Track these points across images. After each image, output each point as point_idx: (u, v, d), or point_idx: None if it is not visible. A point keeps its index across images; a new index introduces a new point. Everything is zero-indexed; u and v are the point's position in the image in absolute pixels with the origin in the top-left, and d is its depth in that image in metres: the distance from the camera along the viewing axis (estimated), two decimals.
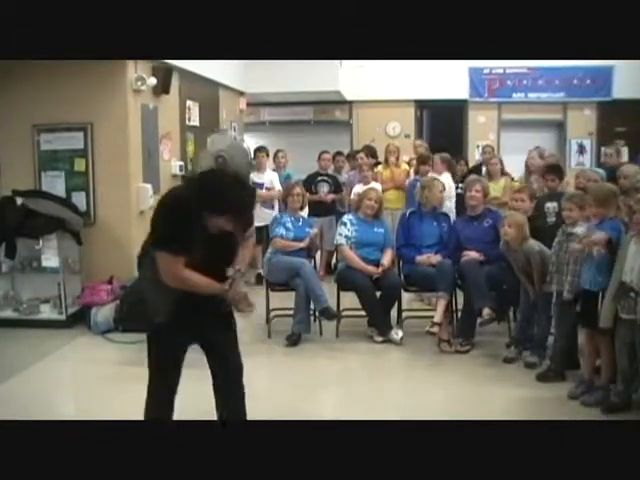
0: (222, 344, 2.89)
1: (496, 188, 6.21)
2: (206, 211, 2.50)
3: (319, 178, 7.52)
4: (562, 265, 4.04)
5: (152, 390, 2.82)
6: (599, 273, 3.74)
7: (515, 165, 7.08)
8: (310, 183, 7.28)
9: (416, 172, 6.66)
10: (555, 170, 5.39)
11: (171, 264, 2.48)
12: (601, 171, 5.94)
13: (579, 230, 4.03)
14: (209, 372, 2.94)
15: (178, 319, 2.62)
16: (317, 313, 5.26)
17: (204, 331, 2.78)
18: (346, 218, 5.43)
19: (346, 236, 5.26)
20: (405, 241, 5.28)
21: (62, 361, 4.81)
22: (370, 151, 7.37)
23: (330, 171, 7.67)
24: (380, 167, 7.41)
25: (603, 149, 7.85)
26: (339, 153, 8.15)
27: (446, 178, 6.31)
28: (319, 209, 7.05)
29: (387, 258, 5.18)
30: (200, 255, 2.53)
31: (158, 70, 6.22)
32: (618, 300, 3.56)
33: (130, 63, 5.81)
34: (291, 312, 5.16)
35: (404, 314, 5.33)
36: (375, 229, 5.31)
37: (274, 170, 7.50)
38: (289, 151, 7.93)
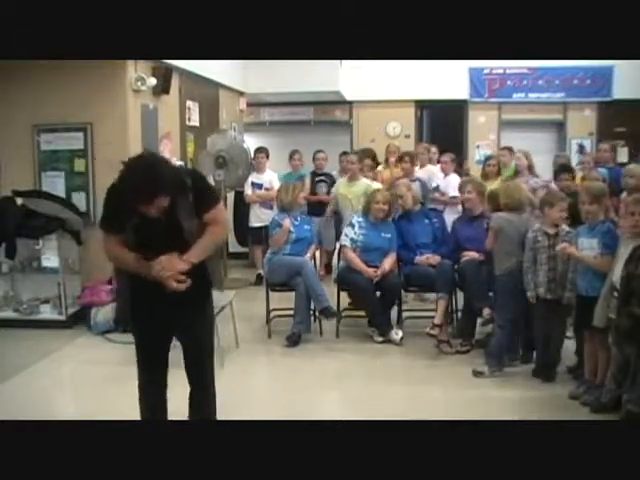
0: (188, 324, 2.81)
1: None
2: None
3: (317, 179, 7.52)
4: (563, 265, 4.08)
5: (139, 387, 2.87)
6: (596, 279, 3.75)
7: None
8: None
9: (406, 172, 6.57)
10: (568, 170, 5.44)
11: (104, 239, 2.71)
12: (604, 171, 5.95)
13: (567, 228, 4.11)
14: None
15: (140, 308, 2.76)
16: (317, 313, 5.26)
17: (170, 311, 2.72)
18: (355, 220, 5.34)
19: (352, 239, 5.23)
20: (402, 242, 5.28)
21: (62, 361, 4.81)
22: (357, 156, 7.25)
23: (335, 172, 7.66)
24: (380, 167, 7.40)
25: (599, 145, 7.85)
26: (345, 153, 8.13)
27: (454, 178, 6.34)
28: (317, 209, 7.04)
29: (388, 262, 5.14)
30: (138, 238, 2.61)
31: (158, 70, 6.22)
32: (608, 300, 3.57)
33: (130, 63, 5.81)
34: (291, 312, 5.17)
35: (404, 314, 5.33)
36: (382, 234, 5.26)
37: (290, 172, 7.50)
38: (289, 151, 7.91)
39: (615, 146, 7.10)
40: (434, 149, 7.21)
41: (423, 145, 7.68)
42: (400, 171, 6.76)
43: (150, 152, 2.66)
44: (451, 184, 6.30)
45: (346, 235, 5.29)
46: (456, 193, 5.86)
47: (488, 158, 6.71)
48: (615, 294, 3.49)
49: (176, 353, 2.90)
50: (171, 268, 2.57)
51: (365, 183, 6.13)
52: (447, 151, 7.02)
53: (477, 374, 4.35)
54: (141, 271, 2.63)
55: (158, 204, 2.51)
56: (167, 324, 2.80)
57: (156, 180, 2.48)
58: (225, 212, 2.81)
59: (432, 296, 5.44)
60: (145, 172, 2.48)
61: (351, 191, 6.11)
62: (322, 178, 7.52)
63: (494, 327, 4.54)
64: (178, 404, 2.92)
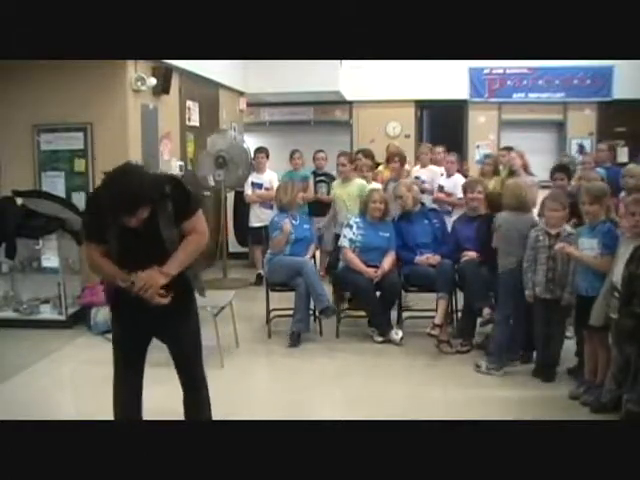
0: (174, 334, 2.83)
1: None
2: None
3: (317, 179, 7.50)
4: (563, 266, 4.07)
5: (114, 386, 2.86)
6: (596, 279, 3.75)
7: None
8: None
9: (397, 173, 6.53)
10: (563, 169, 5.44)
11: (86, 247, 2.73)
12: (602, 171, 5.96)
13: (569, 229, 4.11)
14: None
15: (123, 312, 2.77)
16: (317, 313, 5.26)
17: (154, 322, 2.73)
18: (352, 220, 5.33)
19: (350, 239, 5.23)
20: (402, 243, 5.28)
21: (62, 361, 4.81)
22: (348, 157, 7.15)
23: (335, 172, 7.63)
24: (381, 167, 7.38)
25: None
26: (344, 153, 8.09)
27: (460, 179, 6.35)
28: (318, 209, 7.03)
29: (387, 261, 5.14)
30: (119, 248, 2.62)
31: (158, 70, 6.23)
32: (608, 300, 3.57)
33: (130, 63, 5.82)
34: (291, 312, 5.16)
35: (404, 314, 5.33)
36: (380, 233, 5.25)
37: (291, 170, 7.47)
38: (289, 151, 7.90)
39: (613, 146, 7.09)
40: (440, 149, 7.18)
41: (426, 145, 7.64)
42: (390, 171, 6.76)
43: (132, 163, 2.64)
44: (458, 185, 6.31)
45: (344, 236, 5.29)
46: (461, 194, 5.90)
47: (486, 157, 6.73)
48: (616, 294, 3.49)
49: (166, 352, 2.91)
50: (151, 284, 2.57)
51: (359, 183, 6.12)
52: (449, 151, 7.02)
53: (477, 367, 4.42)
54: (120, 282, 2.63)
55: (139, 216, 2.52)
56: (150, 332, 2.83)
57: (138, 193, 2.46)
58: (204, 221, 2.79)
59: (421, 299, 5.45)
60: (127, 185, 2.46)
61: (345, 192, 6.09)
62: (322, 178, 7.50)
63: (493, 327, 4.54)
64: (174, 404, 2.92)
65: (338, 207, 6.16)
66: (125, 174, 2.53)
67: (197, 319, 2.92)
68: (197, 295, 2.91)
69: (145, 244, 2.61)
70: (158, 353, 2.95)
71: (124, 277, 2.61)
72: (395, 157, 6.47)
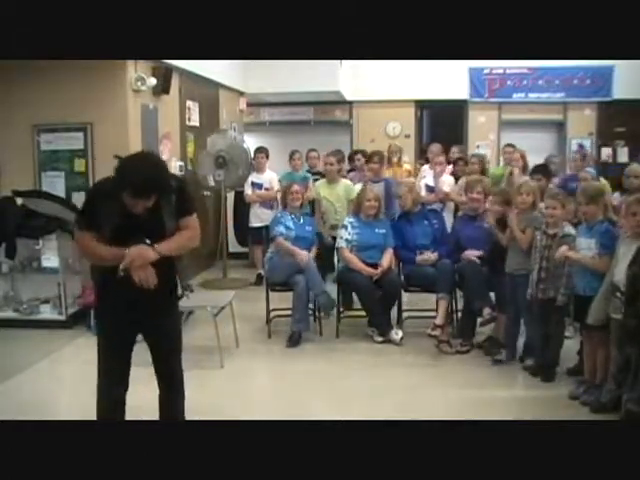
0: (159, 329, 2.85)
1: None
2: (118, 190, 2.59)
3: (312, 178, 7.48)
4: (556, 268, 4.07)
5: (98, 385, 2.91)
6: (594, 279, 3.75)
7: None
8: None
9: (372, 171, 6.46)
10: (541, 170, 5.46)
11: (78, 235, 2.75)
12: (592, 171, 6.00)
13: (571, 230, 4.09)
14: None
15: (109, 303, 2.80)
16: (317, 311, 5.26)
17: (141, 315, 2.76)
18: (347, 221, 5.35)
19: (347, 239, 5.23)
20: (402, 243, 5.28)
21: (62, 361, 4.81)
22: (338, 156, 7.06)
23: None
24: None
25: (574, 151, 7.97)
26: (332, 153, 8.06)
27: (448, 178, 6.36)
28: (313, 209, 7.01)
29: (386, 259, 5.15)
30: (114, 235, 2.62)
31: (158, 70, 6.23)
32: (609, 300, 3.57)
33: (130, 63, 5.82)
34: (291, 312, 5.16)
35: (404, 314, 5.33)
36: (376, 230, 5.27)
37: (290, 172, 7.46)
38: (289, 151, 7.88)
39: (585, 154, 7.07)
40: (455, 148, 7.13)
41: (438, 146, 7.60)
42: (404, 171, 6.78)
43: (150, 151, 2.70)
44: (445, 184, 6.42)
45: (341, 237, 5.29)
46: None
47: (472, 157, 6.76)
48: (618, 294, 3.49)
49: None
50: (141, 257, 2.60)
51: (345, 184, 6.13)
52: (446, 151, 7.07)
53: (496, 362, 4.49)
54: (115, 261, 2.62)
55: (148, 202, 2.57)
56: (136, 326, 2.84)
57: (159, 179, 2.56)
58: (198, 224, 2.86)
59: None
60: (151, 169, 2.56)
61: (333, 193, 6.08)
62: (317, 178, 7.48)
63: (506, 327, 4.54)
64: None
65: (325, 208, 6.12)
66: (150, 159, 2.65)
67: (180, 320, 2.95)
68: (189, 294, 2.93)
69: (145, 233, 2.65)
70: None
71: (118, 252, 2.60)
72: (374, 157, 6.39)
